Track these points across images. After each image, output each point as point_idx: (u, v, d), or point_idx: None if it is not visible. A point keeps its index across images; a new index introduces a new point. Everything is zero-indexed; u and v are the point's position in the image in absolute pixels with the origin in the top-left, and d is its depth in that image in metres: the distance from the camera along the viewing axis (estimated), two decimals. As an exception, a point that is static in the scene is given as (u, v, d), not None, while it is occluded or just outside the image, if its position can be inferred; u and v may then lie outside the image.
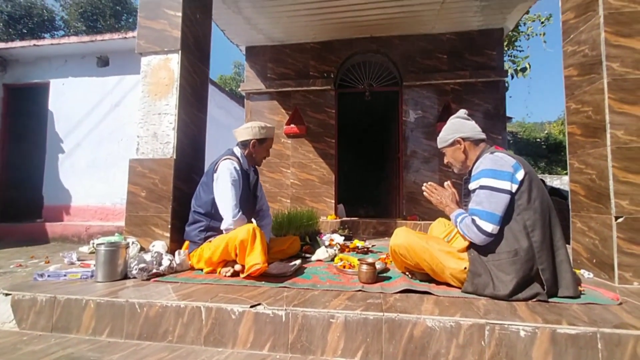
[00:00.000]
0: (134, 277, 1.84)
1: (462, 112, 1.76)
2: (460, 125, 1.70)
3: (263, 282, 1.75)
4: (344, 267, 1.99)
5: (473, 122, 1.72)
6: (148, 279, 1.82)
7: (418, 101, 4.60)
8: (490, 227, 1.47)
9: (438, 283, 1.67)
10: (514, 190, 1.48)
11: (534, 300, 1.46)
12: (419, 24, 4.32)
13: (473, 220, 1.50)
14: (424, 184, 1.79)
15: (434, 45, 4.56)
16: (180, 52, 2.36)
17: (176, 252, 2.04)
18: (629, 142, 1.84)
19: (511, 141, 15.96)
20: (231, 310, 1.41)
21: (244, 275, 1.79)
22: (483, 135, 1.69)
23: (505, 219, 1.49)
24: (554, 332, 1.22)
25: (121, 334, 1.48)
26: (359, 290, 1.61)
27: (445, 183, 1.76)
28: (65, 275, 1.84)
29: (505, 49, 10.64)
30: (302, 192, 4.80)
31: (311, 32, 4.55)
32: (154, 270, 1.87)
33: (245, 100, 5.06)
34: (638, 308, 1.42)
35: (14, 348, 1.39)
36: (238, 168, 2.04)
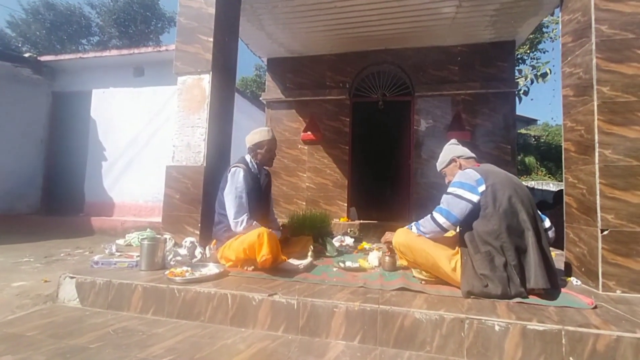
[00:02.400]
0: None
1: (453, 140, 2.11)
2: (453, 149, 2.04)
3: (278, 276, 2.02)
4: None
5: (461, 146, 2.06)
6: (182, 270, 2.15)
7: (429, 110, 4.78)
8: (442, 220, 1.75)
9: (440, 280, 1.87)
10: (475, 200, 1.73)
11: (517, 301, 1.62)
12: (431, 37, 4.50)
13: (432, 214, 1.79)
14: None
15: (446, 57, 4.72)
16: (211, 72, 2.70)
17: (207, 247, 2.36)
18: (616, 161, 1.98)
19: (534, 144, 15.57)
20: (252, 298, 1.70)
21: (260, 265, 2.05)
22: (473, 155, 2.00)
23: (479, 225, 1.72)
24: (525, 328, 1.41)
25: (163, 313, 1.80)
26: (361, 287, 1.87)
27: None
28: (115, 264, 2.20)
29: (528, 51, 10.48)
30: (316, 195, 5.08)
31: (328, 44, 4.82)
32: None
33: (265, 108, 5.40)
34: (608, 312, 1.59)
35: (80, 320, 1.75)
36: (244, 173, 2.23)
